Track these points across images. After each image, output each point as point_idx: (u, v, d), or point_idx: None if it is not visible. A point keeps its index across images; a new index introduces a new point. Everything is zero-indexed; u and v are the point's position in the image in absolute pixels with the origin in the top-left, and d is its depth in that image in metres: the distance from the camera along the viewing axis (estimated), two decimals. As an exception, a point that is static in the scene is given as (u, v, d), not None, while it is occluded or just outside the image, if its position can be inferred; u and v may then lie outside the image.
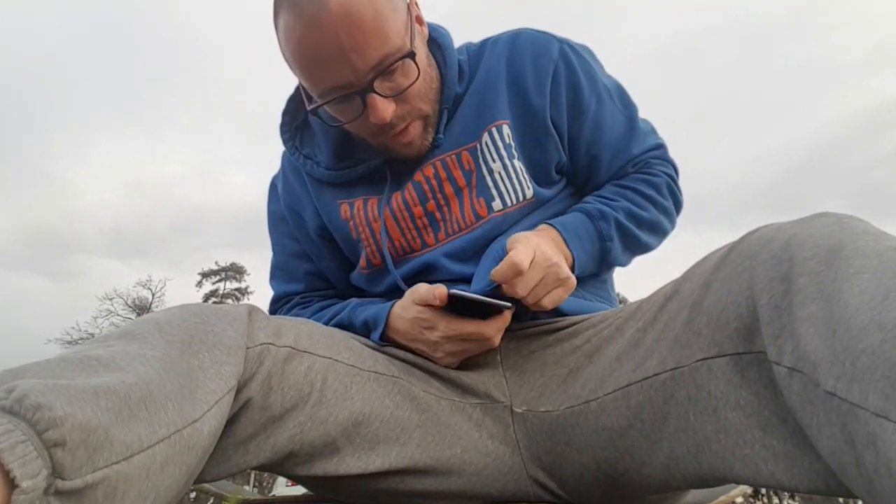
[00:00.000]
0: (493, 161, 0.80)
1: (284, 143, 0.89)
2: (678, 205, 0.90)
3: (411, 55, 0.70)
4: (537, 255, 0.67)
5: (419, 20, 0.79)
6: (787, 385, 0.44)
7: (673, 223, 0.89)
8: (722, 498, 0.85)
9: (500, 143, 0.80)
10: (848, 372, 0.37)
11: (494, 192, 0.80)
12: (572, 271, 0.75)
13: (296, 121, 0.90)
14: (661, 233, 0.87)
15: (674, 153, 0.93)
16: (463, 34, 0.92)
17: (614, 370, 0.62)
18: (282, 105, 0.90)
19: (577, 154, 0.86)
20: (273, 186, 0.96)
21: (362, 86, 0.70)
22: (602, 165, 0.87)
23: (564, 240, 0.76)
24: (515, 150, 0.80)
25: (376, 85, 0.70)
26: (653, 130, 0.92)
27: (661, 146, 0.91)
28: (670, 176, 0.88)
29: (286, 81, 0.88)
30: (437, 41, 0.84)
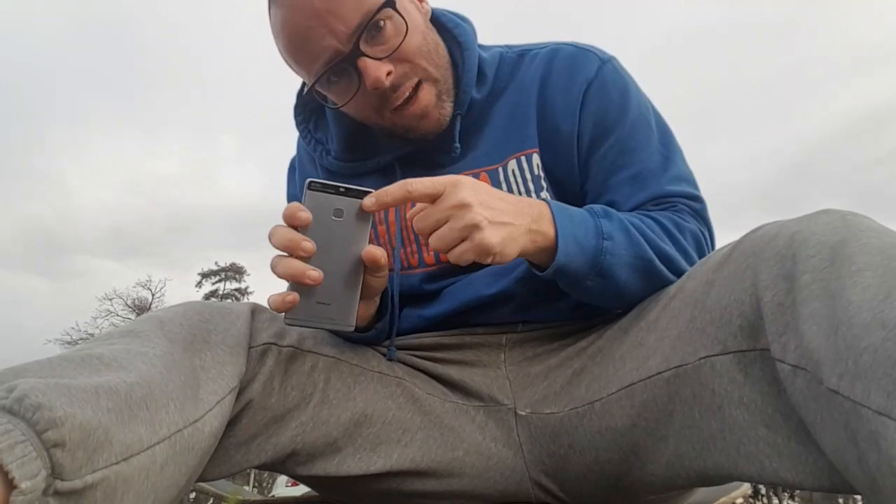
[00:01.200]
0: (519, 194, 0.74)
1: (297, 125, 0.85)
2: None
3: (391, 4, 0.66)
4: (450, 190, 0.57)
5: None
6: (791, 382, 0.44)
7: None
8: (723, 499, 0.86)
9: (528, 175, 0.74)
10: (850, 370, 0.37)
11: None
12: (553, 256, 0.61)
13: (311, 103, 0.85)
14: (679, 274, 0.68)
15: None
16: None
17: (618, 370, 0.62)
18: (279, 106, 0.89)
19: (594, 180, 0.75)
20: (291, 168, 0.92)
21: (349, 50, 0.66)
22: (619, 201, 0.73)
23: (552, 212, 0.63)
24: (544, 180, 0.75)
25: (363, 47, 0.66)
26: (695, 183, 0.77)
27: (700, 199, 0.75)
28: (703, 233, 0.72)
29: (284, 81, 0.87)
30: (457, 39, 0.78)
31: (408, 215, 0.60)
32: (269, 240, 0.57)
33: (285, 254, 0.57)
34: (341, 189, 0.58)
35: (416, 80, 0.70)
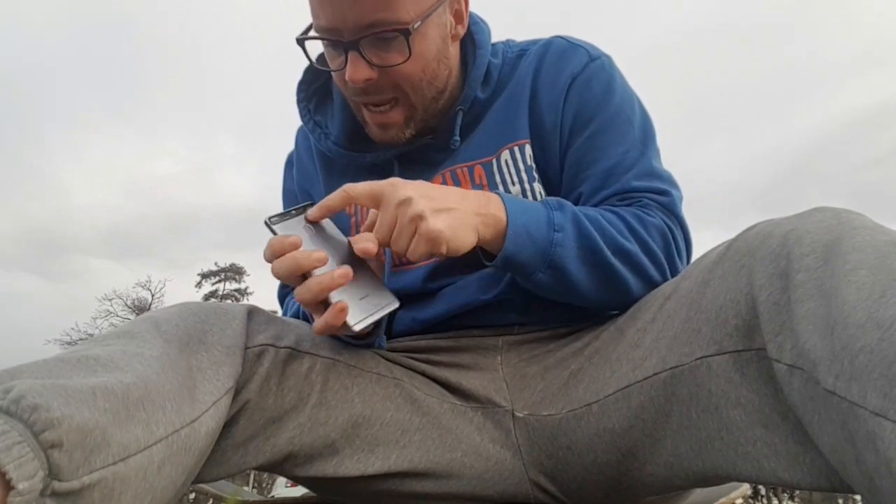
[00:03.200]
0: (513, 184, 0.75)
1: (298, 102, 0.84)
2: (671, 261, 0.70)
3: (405, 33, 0.66)
4: (388, 190, 0.58)
5: (457, 16, 0.75)
6: (788, 382, 0.44)
7: (662, 273, 0.69)
8: (722, 500, 0.86)
9: (521, 165, 0.75)
10: (846, 370, 0.37)
11: None
12: (502, 244, 0.61)
13: (316, 81, 0.85)
14: (639, 270, 0.67)
15: (668, 154, 0.80)
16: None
17: (615, 371, 0.62)
18: (278, 105, 0.88)
19: (568, 173, 0.75)
20: (289, 163, 0.93)
21: (348, 39, 0.67)
22: (587, 193, 0.73)
23: (502, 199, 0.63)
24: (536, 171, 0.75)
25: (362, 45, 0.67)
26: (669, 180, 0.75)
27: (668, 193, 0.73)
28: (669, 227, 0.71)
29: (282, 80, 0.86)
30: (473, 37, 0.79)
31: (374, 235, 0.60)
32: (278, 276, 0.57)
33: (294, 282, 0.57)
34: (292, 211, 0.60)
35: (390, 97, 0.72)
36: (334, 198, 0.59)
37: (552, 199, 0.68)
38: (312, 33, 0.71)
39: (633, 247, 0.67)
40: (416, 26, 0.67)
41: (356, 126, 0.80)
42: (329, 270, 0.56)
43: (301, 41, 0.74)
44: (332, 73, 0.74)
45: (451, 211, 0.59)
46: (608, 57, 0.79)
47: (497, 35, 0.87)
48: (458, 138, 0.76)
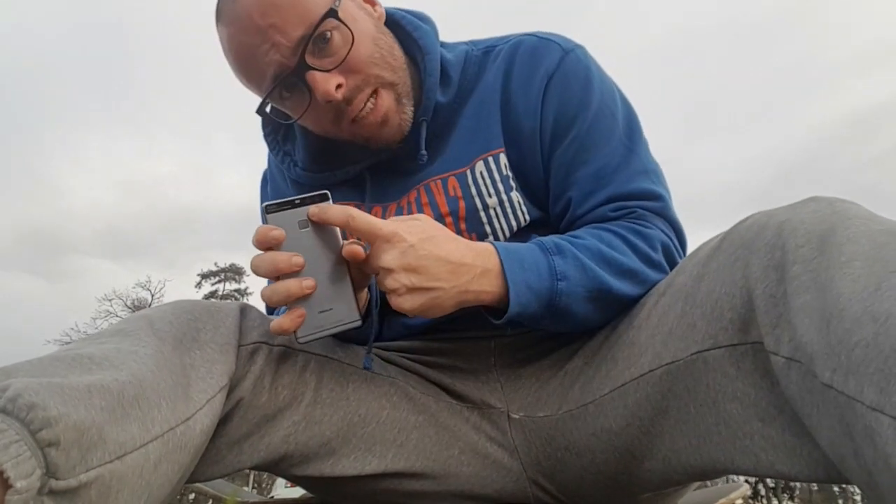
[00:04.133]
0: (490, 196, 0.72)
1: (265, 136, 0.82)
2: (673, 266, 0.68)
3: (333, 14, 0.64)
4: (379, 246, 0.56)
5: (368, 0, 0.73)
6: (786, 375, 0.44)
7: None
8: (722, 501, 0.86)
9: (496, 176, 0.72)
10: (843, 364, 0.37)
11: (489, 228, 0.72)
12: (504, 311, 0.60)
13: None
14: (644, 283, 0.66)
15: (667, 154, 0.82)
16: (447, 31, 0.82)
17: (610, 370, 0.62)
18: None
19: (555, 177, 0.72)
20: (264, 181, 0.91)
21: (295, 64, 0.64)
22: (577, 198, 0.71)
23: (501, 262, 0.60)
24: (514, 180, 0.73)
25: (310, 60, 0.64)
26: (657, 176, 0.73)
27: (660, 197, 0.71)
28: (667, 234, 0.70)
29: None
30: (417, 42, 0.75)
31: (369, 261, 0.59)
32: (255, 272, 0.56)
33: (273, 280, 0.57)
34: (296, 201, 0.58)
35: (370, 89, 0.68)
36: (335, 215, 0.57)
37: (548, 241, 0.64)
38: (265, 93, 0.68)
39: (638, 264, 0.65)
40: (337, 4, 0.64)
41: (321, 147, 0.77)
42: (298, 278, 0.56)
43: (262, 106, 0.72)
44: (307, 118, 0.70)
45: (432, 291, 0.57)
46: (581, 47, 0.76)
47: (494, 33, 0.84)
48: (424, 152, 0.73)
